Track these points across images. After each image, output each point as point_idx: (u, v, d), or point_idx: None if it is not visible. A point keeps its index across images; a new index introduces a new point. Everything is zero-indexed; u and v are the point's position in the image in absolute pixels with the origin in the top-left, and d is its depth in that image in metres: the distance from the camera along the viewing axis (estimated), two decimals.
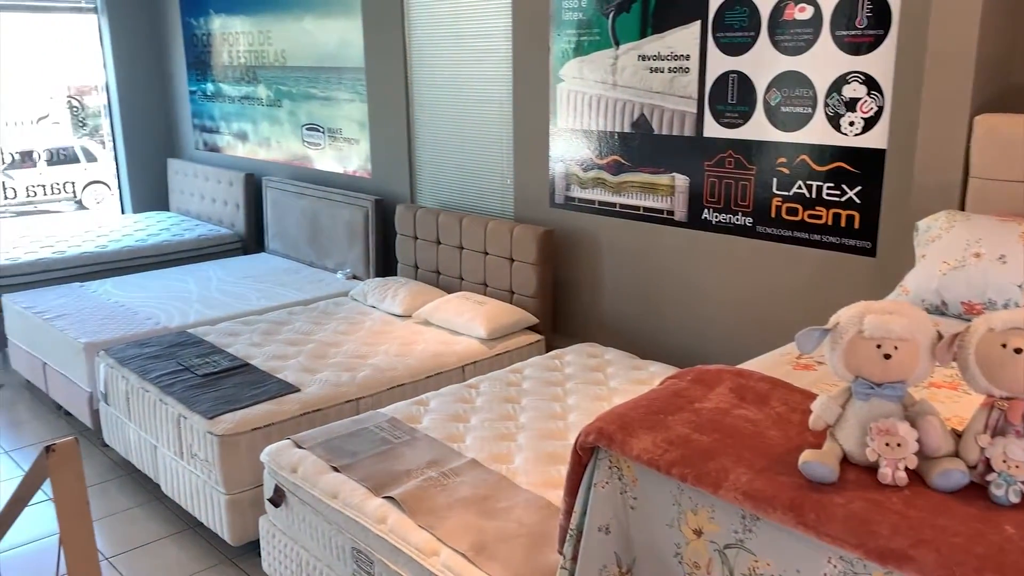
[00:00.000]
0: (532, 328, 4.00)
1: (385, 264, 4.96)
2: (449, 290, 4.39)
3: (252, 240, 5.98)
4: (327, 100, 5.27)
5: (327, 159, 5.39)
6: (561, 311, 4.12)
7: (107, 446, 3.90)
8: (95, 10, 6.59)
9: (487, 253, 4.18)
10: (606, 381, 3.28)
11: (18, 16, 6.28)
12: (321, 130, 5.38)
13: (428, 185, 4.75)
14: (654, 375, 3.32)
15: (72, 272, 5.23)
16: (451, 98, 4.46)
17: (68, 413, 4.36)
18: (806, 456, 1.37)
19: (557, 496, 2.35)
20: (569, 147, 3.89)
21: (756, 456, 1.44)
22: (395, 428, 2.81)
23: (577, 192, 3.91)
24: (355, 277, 5.03)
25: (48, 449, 1.44)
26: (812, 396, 1.63)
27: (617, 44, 3.60)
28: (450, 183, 4.60)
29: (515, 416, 2.96)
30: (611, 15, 3.60)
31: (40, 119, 6.48)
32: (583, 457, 1.60)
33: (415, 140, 4.75)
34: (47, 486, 1.75)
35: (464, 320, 3.88)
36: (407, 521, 2.26)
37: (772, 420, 1.57)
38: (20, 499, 1.72)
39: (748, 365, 2.07)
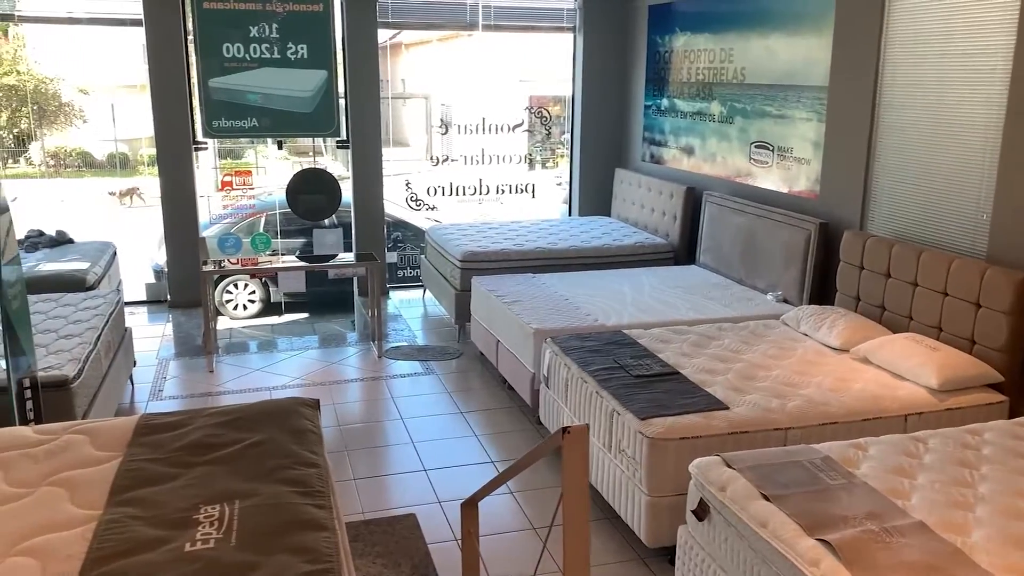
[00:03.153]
0: (994, 386, 3.50)
1: (821, 291, 4.72)
2: (894, 329, 4.03)
3: (683, 251, 6.13)
4: (781, 118, 5.17)
5: (772, 178, 5.30)
6: None
7: (540, 424, 4.29)
8: (574, 29, 7.29)
9: (947, 294, 3.75)
10: None
11: (504, 35, 7.22)
12: (770, 148, 5.30)
13: (883, 212, 4.41)
14: None
15: (527, 264, 5.85)
16: (925, 121, 4.08)
17: (511, 388, 4.88)
18: None
19: None
20: None
21: None
22: (830, 468, 2.65)
23: None
24: (786, 301, 4.87)
25: (565, 430, 1.65)
26: None
27: None
28: (910, 212, 4.22)
29: (973, 484, 2.61)
30: None
31: (515, 127, 7.35)
32: None
33: (874, 163, 4.43)
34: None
35: (912, 364, 3.53)
36: (843, 571, 2.12)
37: None
38: (532, 457, 2.00)
39: None
